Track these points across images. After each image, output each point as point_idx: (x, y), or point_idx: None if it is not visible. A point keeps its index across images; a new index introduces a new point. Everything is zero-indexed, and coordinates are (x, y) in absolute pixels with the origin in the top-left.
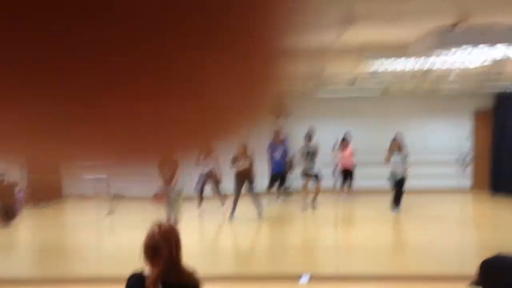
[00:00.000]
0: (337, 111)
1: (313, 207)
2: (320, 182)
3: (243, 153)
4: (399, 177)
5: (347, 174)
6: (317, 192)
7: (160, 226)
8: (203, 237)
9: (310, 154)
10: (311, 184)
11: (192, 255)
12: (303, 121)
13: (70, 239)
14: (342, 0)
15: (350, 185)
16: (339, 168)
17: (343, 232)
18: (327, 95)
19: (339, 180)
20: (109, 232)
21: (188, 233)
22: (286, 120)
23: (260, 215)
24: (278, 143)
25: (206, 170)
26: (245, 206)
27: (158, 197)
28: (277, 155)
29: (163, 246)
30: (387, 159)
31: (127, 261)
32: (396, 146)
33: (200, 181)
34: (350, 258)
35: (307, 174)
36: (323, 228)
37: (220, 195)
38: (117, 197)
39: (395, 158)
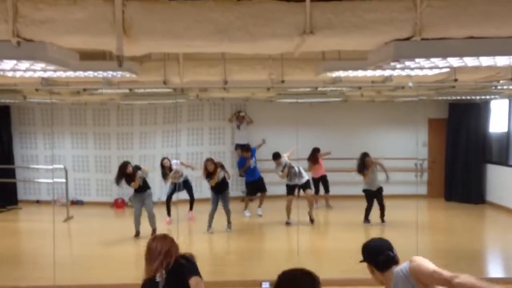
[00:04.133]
0: (298, 117)
1: (312, 219)
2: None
3: (217, 166)
4: (375, 189)
5: (321, 181)
6: (312, 201)
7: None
8: None
9: (294, 170)
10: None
11: None
12: (264, 127)
13: (25, 246)
14: (301, 10)
15: (327, 189)
16: (313, 176)
17: (306, 238)
18: (287, 102)
19: (315, 186)
20: (66, 239)
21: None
22: (247, 128)
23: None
24: (247, 156)
25: (180, 180)
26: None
27: (117, 204)
28: (253, 163)
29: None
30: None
31: (83, 270)
32: (370, 162)
33: (172, 190)
34: (313, 264)
35: (293, 187)
36: (287, 234)
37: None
38: (75, 203)
39: (371, 171)
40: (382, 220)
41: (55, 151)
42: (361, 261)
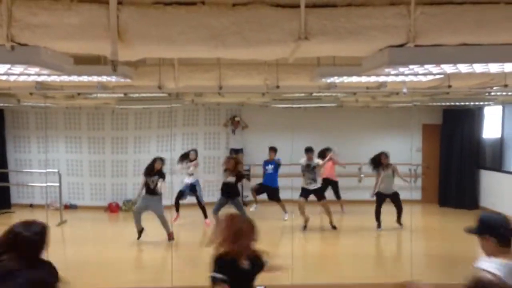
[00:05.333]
0: (293, 122)
1: (333, 227)
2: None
3: (232, 167)
4: (390, 192)
5: (329, 184)
6: (328, 208)
7: (234, 215)
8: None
9: (311, 168)
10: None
11: (165, 266)
12: (259, 132)
13: None
14: (296, 16)
15: (338, 196)
16: (322, 177)
17: (299, 242)
18: (282, 107)
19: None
20: (59, 243)
21: (167, 244)
22: (242, 133)
23: None
24: (271, 159)
25: (189, 181)
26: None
27: (111, 208)
28: (269, 169)
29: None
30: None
31: (76, 275)
32: (385, 162)
33: (183, 192)
34: (305, 269)
35: (307, 190)
36: (279, 238)
37: (202, 206)
38: (69, 207)
39: (386, 173)
40: (399, 223)
41: (49, 155)
42: (472, 232)
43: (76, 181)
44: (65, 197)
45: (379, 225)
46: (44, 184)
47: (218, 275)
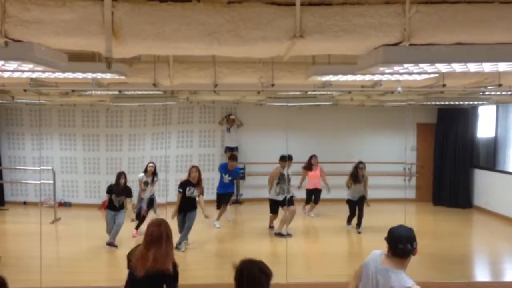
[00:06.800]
0: (288, 121)
1: (288, 234)
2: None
3: (196, 179)
4: (359, 197)
5: (314, 193)
6: (293, 216)
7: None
8: None
9: (286, 177)
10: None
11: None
12: (254, 130)
13: (11, 247)
14: (292, 14)
15: (316, 201)
16: (307, 187)
17: (292, 243)
18: (277, 105)
19: (306, 197)
20: (53, 241)
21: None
22: (237, 131)
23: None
24: (231, 168)
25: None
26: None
27: (106, 206)
28: (227, 178)
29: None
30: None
31: (70, 272)
32: (361, 173)
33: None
34: (299, 268)
35: (278, 203)
36: (272, 239)
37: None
38: (63, 205)
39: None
40: (358, 226)
41: (43, 153)
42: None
43: (70, 178)
44: (59, 194)
45: (349, 223)
46: (38, 182)
47: None
